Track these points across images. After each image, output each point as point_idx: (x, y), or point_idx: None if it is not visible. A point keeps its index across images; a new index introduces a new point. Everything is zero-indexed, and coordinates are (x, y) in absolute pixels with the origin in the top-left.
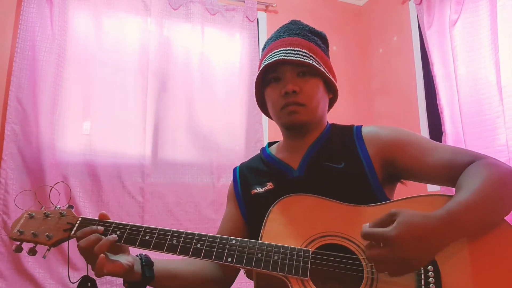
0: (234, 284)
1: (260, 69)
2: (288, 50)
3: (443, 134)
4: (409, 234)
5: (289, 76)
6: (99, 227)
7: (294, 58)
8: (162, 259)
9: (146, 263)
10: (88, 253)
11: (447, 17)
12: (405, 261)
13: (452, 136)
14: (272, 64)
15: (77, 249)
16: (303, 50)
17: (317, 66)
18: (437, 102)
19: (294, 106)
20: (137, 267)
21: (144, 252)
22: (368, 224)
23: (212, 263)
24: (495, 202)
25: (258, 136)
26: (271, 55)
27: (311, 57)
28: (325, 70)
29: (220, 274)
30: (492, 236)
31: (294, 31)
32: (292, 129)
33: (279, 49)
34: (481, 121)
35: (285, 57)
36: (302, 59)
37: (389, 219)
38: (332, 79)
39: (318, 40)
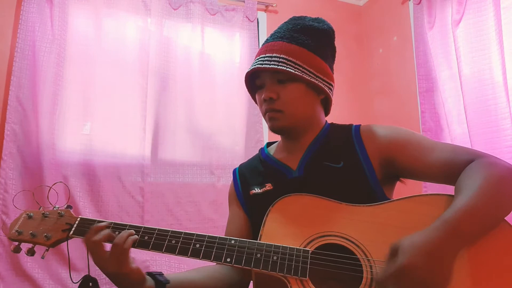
0: None
1: (245, 76)
2: (266, 57)
3: (441, 132)
4: (419, 254)
5: (268, 83)
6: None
7: (268, 66)
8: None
9: (156, 273)
10: (121, 248)
11: (449, 17)
12: (427, 281)
13: (460, 136)
14: (251, 73)
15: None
16: (281, 56)
17: (293, 71)
18: (432, 101)
19: (272, 112)
20: (149, 279)
21: (142, 253)
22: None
23: (225, 267)
24: (495, 204)
25: (258, 136)
26: (254, 61)
27: (289, 62)
28: (308, 72)
29: (236, 277)
30: (491, 236)
31: (280, 33)
32: (278, 134)
33: (260, 56)
34: (487, 122)
35: (260, 65)
36: (277, 66)
37: (394, 255)
38: (316, 81)
39: (308, 39)
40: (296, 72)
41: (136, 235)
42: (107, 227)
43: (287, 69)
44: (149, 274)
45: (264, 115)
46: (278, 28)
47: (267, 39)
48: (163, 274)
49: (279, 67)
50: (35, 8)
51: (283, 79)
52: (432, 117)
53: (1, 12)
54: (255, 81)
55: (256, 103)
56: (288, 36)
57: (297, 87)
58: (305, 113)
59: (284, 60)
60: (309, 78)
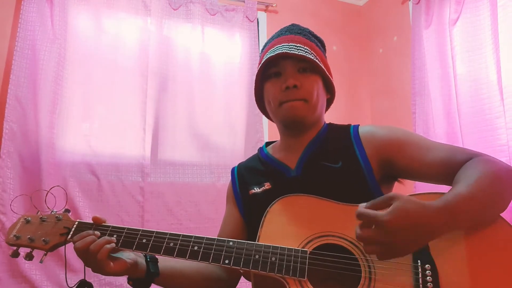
0: None
1: (262, 62)
2: (291, 45)
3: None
4: (402, 221)
5: (290, 71)
6: (96, 232)
7: (296, 52)
8: (166, 258)
9: (151, 259)
10: (85, 254)
11: (446, 16)
12: (393, 246)
13: (450, 136)
14: (274, 58)
15: (74, 251)
16: (305, 47)
17: (319, 63)
18: (424, 101)
19: (296, 101)
20: (141, 263)
21: None
22: (364, 204)
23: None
24: (491, 196)
25: (259, 136)
26: (273, 49)
27: (312, 54)
28: (324, 69)
29: (224, 275)
30: (489, 233)
31: (296, 30)
32: (290, 125)
33: (282, 44)
34: (481, 121)
35: (288, 51)
36: (305, 54)
37: (386, 203)
38: (331, 79)
39: (318, 42)
40: (320, 64)
41: (113, 244)
42: (94, 231)
43: (315, 59)
44: (145, 258)
45: (280, 104)
46: (287, 27)
47: (281, 33)
48: (157, 260)
49: (307, 55)
50: (35, 8)
51: (306, 68)
52: (423, 117)
53: (1, 11)
54: (267, 70)
55: (255, 95)
56: (304, 34)
57: (316, 79)
58: (320, 107)
59: (309, 52)
60: (327, 74)
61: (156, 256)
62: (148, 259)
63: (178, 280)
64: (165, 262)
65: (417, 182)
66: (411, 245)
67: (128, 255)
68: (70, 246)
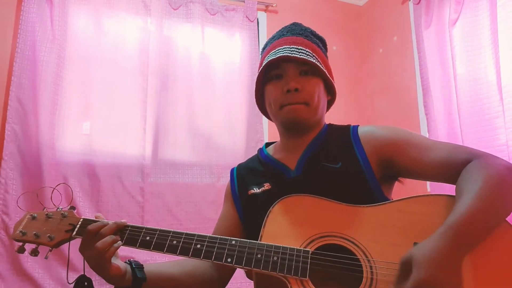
0: (234, 284)
1: (263, 65)
2: (293, 48)
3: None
4: (433, 266)
5: (291, 73)
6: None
7: (298, 56)
8: (151, 263)
9: (136, 265)
10: (101, 254)
11: (446, 16)
12: None
13: (450, 136)
14: (275, 61)
15: (90, 249)
16: (307, 49)
17: (320, 66)
18: (424, 103)
19: (297, 105)
20: (129, 271)
21: (144, 253)
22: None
23: (205, 263)
24: (497, 205)
25: (259, 136)
26: (275, 51)
27: (314, 57)
28: (325, 71)
29: (214, 274)
30: (492, 237)
31: (297, 31)
32: (291, 127)
33: (283, 47)
34: (481, 121)
35: (290, 54)
36: (306, 58)
37: (406, 267)
38: (332, 81)
39: (319, 43)
40: (322, 67)
41: (120, 242)
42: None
43: (316, 63)
44: (130, 265)
45: (281, 106)
46: (288, 27)
47: (282, 34)
48: (143, 267)
49: (309, 59)
50: (35, 8)
51: (307, 71)
52: (432, 117)
53: (1, 12)
54: (268, 72)
55: (255, 97)
56: (306, 35)
57: (317, 82)
58: (320, 109)
59: (310, 54)
60: (328, 76)
61: (157, 252)
62: (134, 266)
63: (167, 283)
64: (151, 267)
65: (431, 182)
66: (454, 282)
67: (120, 263)
68: (73, 244)
